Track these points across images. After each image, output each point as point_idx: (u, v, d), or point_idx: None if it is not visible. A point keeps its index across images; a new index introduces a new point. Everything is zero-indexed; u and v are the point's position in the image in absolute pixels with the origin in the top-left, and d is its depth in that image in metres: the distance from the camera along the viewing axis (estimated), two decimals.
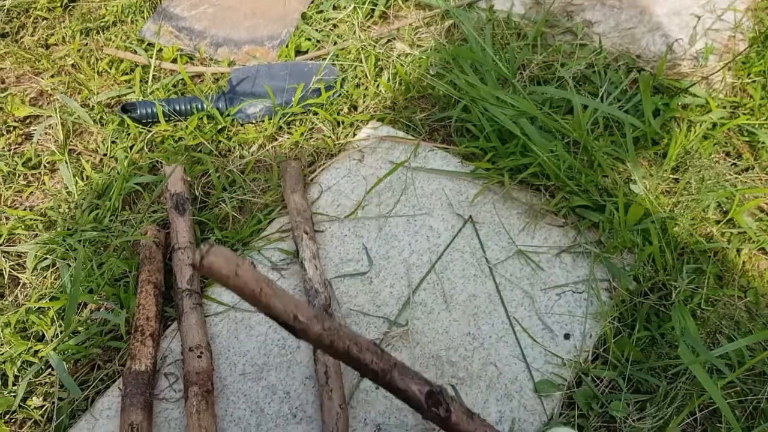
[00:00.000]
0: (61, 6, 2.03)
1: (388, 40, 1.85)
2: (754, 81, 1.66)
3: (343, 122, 1.66)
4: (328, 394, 1.12)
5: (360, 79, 1.75)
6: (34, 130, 1.68)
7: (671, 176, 1.47)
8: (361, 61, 1.76)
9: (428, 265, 1.37)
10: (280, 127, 1.66)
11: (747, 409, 1.19)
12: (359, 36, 1.82)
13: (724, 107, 1.61)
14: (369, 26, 1.91)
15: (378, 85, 1.72)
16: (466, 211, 1.45)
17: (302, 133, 1.63)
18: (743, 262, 1.38)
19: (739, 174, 1.51)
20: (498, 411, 1.17)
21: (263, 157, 1.58)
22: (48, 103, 1.77)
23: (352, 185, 1.50)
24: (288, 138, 1.63)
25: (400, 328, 1.28)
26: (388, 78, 1.73)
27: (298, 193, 1.42)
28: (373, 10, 1.93)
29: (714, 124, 1.57)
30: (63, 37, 1.94)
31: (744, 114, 1.59)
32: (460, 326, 1.28)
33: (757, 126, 1.56)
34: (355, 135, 1.62)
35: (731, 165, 1.52)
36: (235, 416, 1.18)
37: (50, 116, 1.70)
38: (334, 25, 1.91)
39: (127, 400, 1.13)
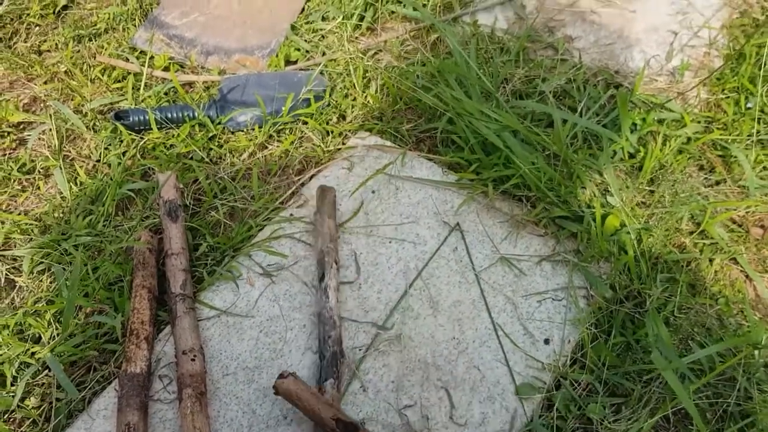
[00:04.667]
0: (54, 13, 2.07)
1: (376, 52, 1.90)
2: (727, 97, 1.73)
3: (332, 132, 1.71)
4: None
5: (348, 89, 1.80)
6: (29, 135, 1.71)
7: (647, 188, 1.53)
8: (349, 73, 1.81)
9: (415, 271, 1.42)
10: (271, 135, 1.71)
11: (717, 412, 1.25)
12: (347, 48, 1.87)
13: (699, 122, 1.67)
14: (357, 38, 1.96)
15: (366, 96, 1.77)
16: (452, 219, 1.50)
17: (292, 142, 1.68)
18: (715, 272, 1.45)
19: (712, 187, 1.58)
20: (481, 413, 1.22)
21: (253, 164, 1.63)
22: (41, 109, 1.80)
23: (341, 194, 1.54)
24: (278, 146, 1.67)
25: (388, 332, 1.32)
26: (376, 89, 1.78)
27: (333, 220, 1.45)
28: (360, 23, 1.98)
29: (689, 139, 1.64)
30: (56, 44, 1.97)
31: (718, 129, 1.66)
32: (446, 331, 1.33)
33: (729, 141, 1.63)
34: (344, 144, 1.67)
35: (704, 179, 1.59)
36: (227, 417, 1.22)
37: (44, 122, 1.73)
38: (323, 36, 1.96)
39: (124, 401, 1.17)
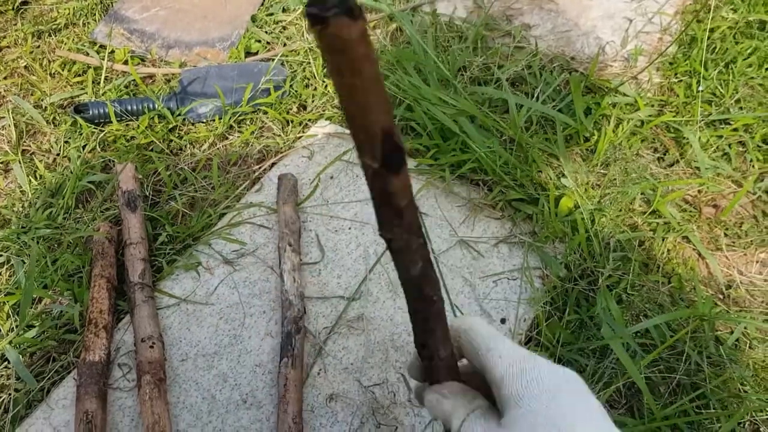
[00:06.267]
0: (13, 9, 2.06)
1: None
2: (680, 80, 1.77)
3: (292, 121, 1.72)
4: (284, 407, 1.16)
5: (309, 79, 1.81)
6: None
7: (601, 171, 1.56)
8: (309, 62, 1.82)
9: (374, 256, 1.44)
10: (231, 126, 1.72)
11: (670, 385, 1.28)
12: (307, 38, 1.89)
13: (652, 105, 1.71)
14: None
15: (326, 85, 1.78)
16: None
17: (252, 132, 1.69)
18: (668, 250, 1.48)
19: (666, 168, 1.61)
20: None
21: (213, 155, 1.63)
22: (0, 105, 1.80)
23: (301, 182, 1.56)
24: (238, 137, 1.68)
25: (348, 316, 1.34)
26: None
27: (289, 205, 1.45)
28: None
29: (642, 122, 1.67)
30: (15, 40, 1.96)
31: (670, 112, 1.70)
32: (405, 314, 1.35)
33: (682, 123, 1.67)
34: (304, 133, 1.68)
35: (659, 159, 1.63)
36: (187, 403, 1.23)
37: (3, 117, 1.72)
38: (284, 27, 1.97)
39: (82, 390, 1.17)
